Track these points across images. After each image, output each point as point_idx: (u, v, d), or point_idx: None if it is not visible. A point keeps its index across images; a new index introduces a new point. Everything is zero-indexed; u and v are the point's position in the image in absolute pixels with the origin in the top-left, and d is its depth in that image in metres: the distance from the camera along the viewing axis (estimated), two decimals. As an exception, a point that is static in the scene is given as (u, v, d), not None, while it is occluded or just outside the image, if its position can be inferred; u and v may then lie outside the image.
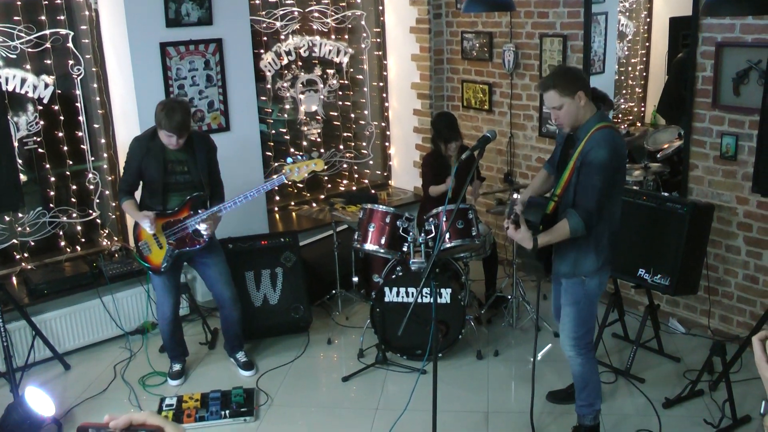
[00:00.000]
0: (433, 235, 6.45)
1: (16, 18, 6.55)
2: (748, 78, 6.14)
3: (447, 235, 6.40)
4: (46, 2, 6.66)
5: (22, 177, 6.66)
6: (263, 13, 8.01)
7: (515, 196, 4.68)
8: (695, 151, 6.64)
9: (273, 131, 8.41)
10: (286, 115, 8.50)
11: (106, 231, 7.37)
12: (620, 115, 9.88)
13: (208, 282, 6.34)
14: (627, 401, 5.92)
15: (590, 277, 4.92)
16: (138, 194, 6.00)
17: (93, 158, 7.15)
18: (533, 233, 4.64)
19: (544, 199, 4.95)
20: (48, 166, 6.93)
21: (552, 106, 4.75)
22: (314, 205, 8.72)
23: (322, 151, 8.79)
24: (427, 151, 8.04)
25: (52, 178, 6.98)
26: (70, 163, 7.05)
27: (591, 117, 4.75)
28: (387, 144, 9.42)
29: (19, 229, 6.89)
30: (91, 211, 7.21)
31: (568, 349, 5.14)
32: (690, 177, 6.72)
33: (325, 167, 8.83)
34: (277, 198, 8.53)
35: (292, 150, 8.51)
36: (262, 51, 8.09)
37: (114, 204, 7.28)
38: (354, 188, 9.11)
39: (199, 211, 5.85)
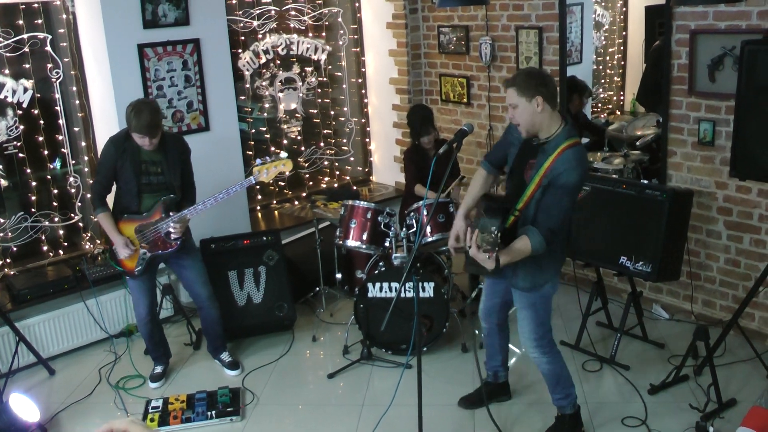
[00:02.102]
0: (414, 229, 6.46)
1: (-7, 23, 6.54)
2: (722, 64, 6.18)
3: (428, 229, 6.42)
4: (24, 6, 6.63)
5: (3, 182, 6.66)
6: (240, 12, 8.00)
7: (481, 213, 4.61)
8: (673, 137, 6.68)
9: (253, 130, 8.40)
10: (265, 114, 8.49)
11: (89, 234, 7.35)
12: (599, 105, 9.91)
13: (185, 283, 6.34)
14: (612, 389, 5.95)
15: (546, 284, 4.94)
16: (110, 198, 5.98)
17: (74, 161, 7.13)
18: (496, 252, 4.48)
19: (503, 208, 4.78)
20: (29, 170, 6.89)
21: (509, 103, 4.68)
22: (296, 202, 8.73)
23: (303, 149, 8.80)
24: (407, 145, 8.05)
25: (33, 183, 6.95)
26: (51, 166, 7.02)
27: (560, 131, 4.64)
28: (367, 140, 9.43)
29: (1, 234, 6.86)
30: (72, 215, 7.19)
31: (531, 351, 5.12)
32: (669, 164, 6.76)
33: (306, 165, 8.85)
34: (259, 197, 8.53)
35: (273, 149, 8.51)
36: (239, 50, 8.08)
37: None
38: (335, 185, 9.11)
39: (171, 214, 5.83)
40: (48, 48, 6.82)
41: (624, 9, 10.02)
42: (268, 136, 8.50)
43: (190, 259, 6.17)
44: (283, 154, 5.95)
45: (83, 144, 7.15)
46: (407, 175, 7.41)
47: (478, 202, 5.10)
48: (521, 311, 5.02)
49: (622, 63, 10.16)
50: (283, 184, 8.70)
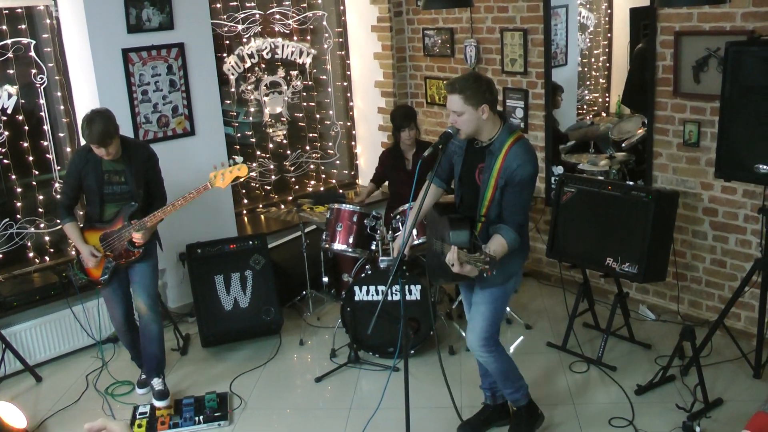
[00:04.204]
0: (400, 232, 6.46)
1: (-25, 29, 6.51)
2: (707, 65, 6.20)
3: (414, 232, 6.41)
4: (7, 11, 6.60)
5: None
6: (224, 16, 7.99)
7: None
8: (658, 139, 6.71)
9: (239, 134, 8.39)
10: (251, 118, 8.48)
11: (74, 240, 7.32)
12: (585, 106, 9.93)
13: (131, 287, 6.18)
14: (599, 390, 5.96)
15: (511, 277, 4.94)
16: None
17: (59, 167, 7.10)
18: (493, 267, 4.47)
19: (467, 218, 4.77)
20: (14, 176, 6.87)
21: (453, 110, 4.63)
22: (282, 206, 8.72)
23: (289, 152, 8.79)
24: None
25: (19, 189, 6.93)
26: (36, 173, 6.99)
27: (501, 130, 4.67)
28: (353, 143, 9.43)
29: (-14, 241, 6.85)
30: (58, 221, 7.15)
31: (478, 350, 5.05)
32: (654, 165, 6.79)
33: (292, 169, 8.84)
34: (245, 201, 8.52)
35: (258, 153, 8.50)
36: (224, 54, 8.07)
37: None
38: (322, 188, 9.11)
39: (132, 223, 5.80)
40: (32, 53, 6.79)
41: (609, 11, 10.04)
42: (253, 140, 8.49)
43: (141, 263, 6.01)
44: (239, 159, 5.95)
45: (68, 150, 7.12)
46: (374, 174, 7.56)
47: (431, 212, 5.16)
48: (479, 306, 4.97)
49: (607, 65, 10.17)
50: (269, 188, 8.69)
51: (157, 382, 6.17)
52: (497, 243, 4.57)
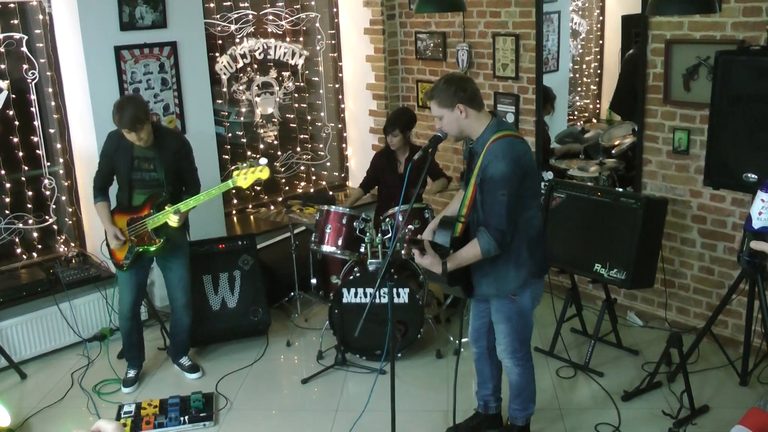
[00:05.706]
0: (389, 235, 6.47)
1: (-33, 23, 6.49)
2: (697, 74, 6.22)
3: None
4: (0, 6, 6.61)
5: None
6: (218, 16, 7.98)
7: (410, 226, 4.56)
8: (648, 146, 6.72)
9: (230, 134, 8.38)
10: (242, 118, 8.47)
11: (63, 237, 7.30)
12: (576, 113, 9.96)
13: (167, 284, 6.36)
14: (586, 395, 5.97)
15: (520, 294, 4.79)
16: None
17: (49, 163, 7.08)
18: (442, 257, 4.50)
19: (455, 219, 4.76)
20: (3, 172, 6.84)
21: (434, 115, 4.66)
22: (272, 207, 8.71)
23: (279, 153, 8.79)
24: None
25: (8, 184, 6.90)
26: (26, 168, 6.97)
27: (486, 128, 4.61)
28: (344, 145, 9.43)
29: (-26, 236, 6.83)
30: (47, 217, 7.14)
31: (506, 361, 5.07)
32: (644, 172, 6.80)
33: (282, 169, 8.83)
34: (235, 201, 8.51)
35: (249, 153, 8.49)
36: (217, 54, 8.06)
37: (71, 210, 7.22)
38: (311, 190, 9.11)
39: (167, 207, 5.86)
40: (24, 49, 6.78)
41: (601, 18, 10.08)
42: (244, 140, 8.49)
43: (176, 261, 6.22)
44: (263, 161, 5.95)
45: (58, 146, 7.11)
46: (363, 179, 7.64)
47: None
48: (497, 325, 4.96)
49: (599, 71, 10.22)
50: (259, 188, 8.68)
51: (185, 360, 6.53)
52: (470, 246, 4.56)
